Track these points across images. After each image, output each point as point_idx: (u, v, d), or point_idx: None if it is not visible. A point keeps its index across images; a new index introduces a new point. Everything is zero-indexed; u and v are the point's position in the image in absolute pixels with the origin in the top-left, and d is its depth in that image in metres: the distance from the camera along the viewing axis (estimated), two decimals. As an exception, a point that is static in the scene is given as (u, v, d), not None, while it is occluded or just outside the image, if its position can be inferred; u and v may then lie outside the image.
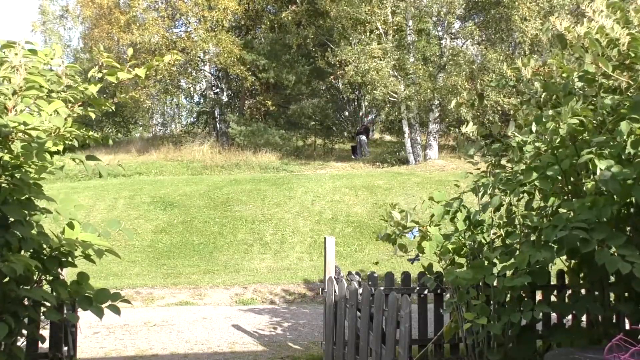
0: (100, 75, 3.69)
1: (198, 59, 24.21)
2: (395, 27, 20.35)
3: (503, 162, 4.49)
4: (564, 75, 4.17)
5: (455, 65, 18.94)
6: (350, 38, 20.18)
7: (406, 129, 20.33)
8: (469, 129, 4.39)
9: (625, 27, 3.81)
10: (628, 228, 4.02)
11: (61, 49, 3.62)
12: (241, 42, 24.61)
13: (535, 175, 3.86)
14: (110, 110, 3.85)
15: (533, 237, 4.22)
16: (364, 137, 23.03)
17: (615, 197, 3.52)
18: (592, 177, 3.87)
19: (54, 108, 3.41)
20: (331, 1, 19.83)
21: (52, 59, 3.64)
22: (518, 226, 4.41)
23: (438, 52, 20.38)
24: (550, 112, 3.87)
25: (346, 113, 24.95)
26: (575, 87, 4.06)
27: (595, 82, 3.98)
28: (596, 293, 4.32)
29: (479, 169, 4.71)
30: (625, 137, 3.50)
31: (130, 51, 3.89)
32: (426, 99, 19.30)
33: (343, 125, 25.13)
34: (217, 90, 26.93)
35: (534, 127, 3.94)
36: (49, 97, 3.56)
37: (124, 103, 3.99)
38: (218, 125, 26.39)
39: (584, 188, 4.04)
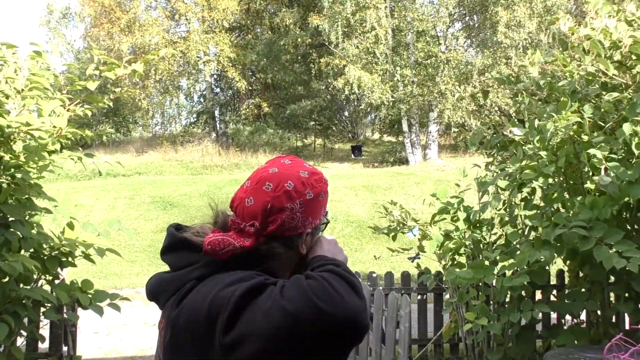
0: (97, 72, 3.68)
1: (198, 58, 24.20)
2: (392, 30, 20.34)
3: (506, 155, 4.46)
4: (567, 74, 4.16)
5: (448, 66, 19.03)
6: (349, 36, 20.17)
7: (406, 128, 20.32)
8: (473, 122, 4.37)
9: (629, 29, 3.80)
10: (632, 227, 4.02)
11: (58, 48, 3.64)
12: (241, 42, 24.59)
13: (534, 174, 3.86)
14: (110, 109, 3.85)
15: (532, 236, 4.23)
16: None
17: (613, 197, 3.53)
18: (592, 176, 3.86)
19: (52, 107, 3.42)
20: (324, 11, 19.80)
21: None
22: (519, 225, 4.41)
23: (433, 56, 20.42)
24: (549, 108, 3.86)
25: (346, 113, 24.94)
26: (578, 86, 4.05)
27: (594, 81, 3.97)
28: (596, 293, 4.32)
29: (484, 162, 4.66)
30: (627, 138, 3.49)
31: (124, 46, 3.89)
32: (420, 104, 19.36)
33: (343, 125, 25.10)
34: (217, 90, 26.93)
35: (536, 123, 3.93)
36: (50, 97, 3.56)
37: (123, 103, 3.99)
38: (218, 126, 26.37)
39: (585, 187, 4.03)
